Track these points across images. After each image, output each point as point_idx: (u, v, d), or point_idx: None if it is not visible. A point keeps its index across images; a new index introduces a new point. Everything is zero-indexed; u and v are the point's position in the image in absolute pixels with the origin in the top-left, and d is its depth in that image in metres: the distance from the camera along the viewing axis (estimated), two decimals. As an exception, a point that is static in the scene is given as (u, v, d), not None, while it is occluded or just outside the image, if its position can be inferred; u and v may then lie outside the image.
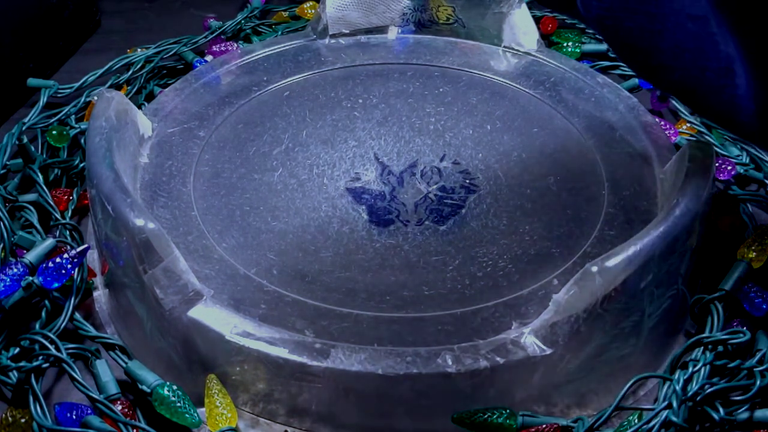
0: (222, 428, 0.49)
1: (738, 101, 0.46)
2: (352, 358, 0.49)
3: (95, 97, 0.63)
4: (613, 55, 0.78)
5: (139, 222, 0.51)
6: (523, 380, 0.49)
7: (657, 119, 0.67)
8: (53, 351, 0.52)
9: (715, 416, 0.49)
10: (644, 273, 0.50)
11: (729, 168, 0.64)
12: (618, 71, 0.76)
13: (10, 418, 0.50)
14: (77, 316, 0.56)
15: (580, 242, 0.56)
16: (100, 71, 0.74)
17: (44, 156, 0.67)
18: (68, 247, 0.57)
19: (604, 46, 0.79)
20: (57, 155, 0.68)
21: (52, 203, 0.62)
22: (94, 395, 0.50)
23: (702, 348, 0.52)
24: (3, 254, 0.58)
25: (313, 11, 0.83)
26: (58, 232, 0.61)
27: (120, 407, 0.50)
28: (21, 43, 0.76)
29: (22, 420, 0.50)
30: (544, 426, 0.49)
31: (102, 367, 0.53)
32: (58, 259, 0.54)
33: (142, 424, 0.50)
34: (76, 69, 0.79)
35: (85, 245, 0.56)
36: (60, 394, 0.54)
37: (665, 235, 0.51)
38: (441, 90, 0.69)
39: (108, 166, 0.56)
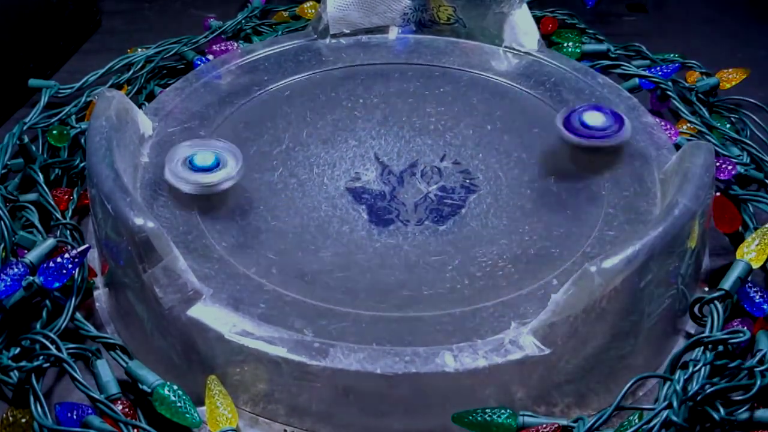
0: (222, 428, 0.49)
1: None
2: (351, 358, 0.49)
3: (96, 97, 0.63)
4: (613, 55, 0.78)
5: (139, 221, 0.51)
6: (522, 380, 0.49)
7: (657, 119, 0.67)
8: (54, 351, 0.52)
9: (716, 416, 0.49)
10: (643, 273, 0.50)
11: (729, 168, 0.64)
12: (618, 71, 0.76)
13: (10, 418, 0.50)
14: (78, 315, 0.56)
15: (579, 242, 0.56)
16: (101, 71, 0.74)
17: (45, 156, 0.67)
18: (69, 247, 0.57)
19: (604, 46, 0.79)
20: (57, 155, 0.68)
21: (52, 203, 0.62)
22: (94, 395, 0.50)
23: (702, 348, 0.52)
24: (4, 254, 0.58)
25: (313, 11, 0.83)
26: (58, 232, 0.61)
27: (120, 407, 0.50)
28: (21, 43, 0.76)
29: (23, 420, 0.50)
30: (544, 426, 0.49)
31: (102, 366, 0.53)
32: (58, 259, 0.54)
33: (143, 424, 0.50)
34: (77, 69, 0.79)
35: (86, 245, 0.56)
36: (60, 394, 0.54)
37: (665, 235, 0.51)
38: (441, 90, 0.69)
39: (108, 166, 0.56)
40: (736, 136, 0.70)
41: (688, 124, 0.70)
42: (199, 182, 0.57)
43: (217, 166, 0.57)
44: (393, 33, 0.75)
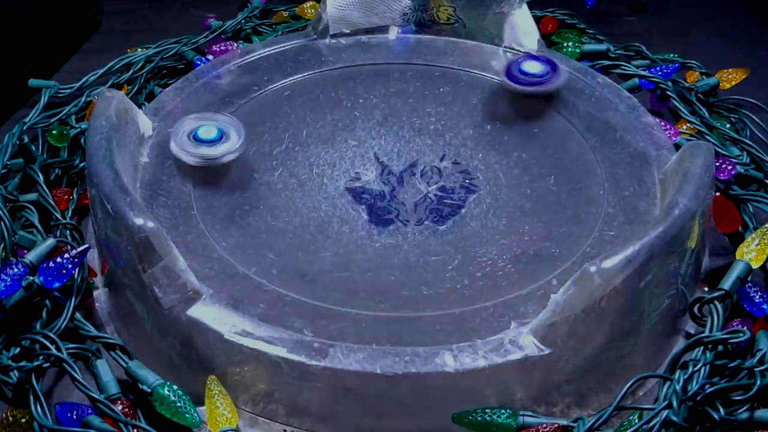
0: (222, 428, 0.49)
1: None
2: (350, 358, 0.49)
3: (96, 97, 0.63)
4: (613, 55, 0.78)
5: (139, 221, 0.51)
6: (521, 380, 0.49)
7: (657, 119, 0.67)
8: (54, 351, 0.52)
9: (716, 416, 0.49)
10: (643, 273, 0.50)
11: (729, 168, 0.64)
12: (618, 71, 0.76)
13: (10, 418, 0.50)
14: (78, 315, 0.56)
15: (579, 242, 0.56)
16: (101, 71, 0.74)
17: (45, 156, 0.67)
18: (69, 247, 0.57)
19: (604, 46, 0.79)
20: (57, 155, 0.68)
21: (52, 203, 0.62)
22: (94, 395, 0.50)
23: (702, 348, 0.52)
24: (4, 254, 0.58)
25: (313, 11, 0.83)
26: (58, 232, 0.61)
27: (120, 407, 0.51)
28: (21, 43, 0.76)
29: (23, 420, 0.50)
30: (544, 426, 0.49)
31: (102, 366, 0.53)
32: (58, 259, 0.54)
33: (143, 424, 0.50)
34: (77, 69, 0.79)
35: (86, 245, 0.56)
36: (60, 394, 0.54)
37: (664, 235, 0.51)
38: (441, 90, 0.69)
39: (108, 166, 0.56)
40: (736, 136, 0.69)
41: (688, 124, 0.70)
42: (203, 155, 0.59)
43: (220, 139, 0.60)
44: (393, 33, 0.75)
